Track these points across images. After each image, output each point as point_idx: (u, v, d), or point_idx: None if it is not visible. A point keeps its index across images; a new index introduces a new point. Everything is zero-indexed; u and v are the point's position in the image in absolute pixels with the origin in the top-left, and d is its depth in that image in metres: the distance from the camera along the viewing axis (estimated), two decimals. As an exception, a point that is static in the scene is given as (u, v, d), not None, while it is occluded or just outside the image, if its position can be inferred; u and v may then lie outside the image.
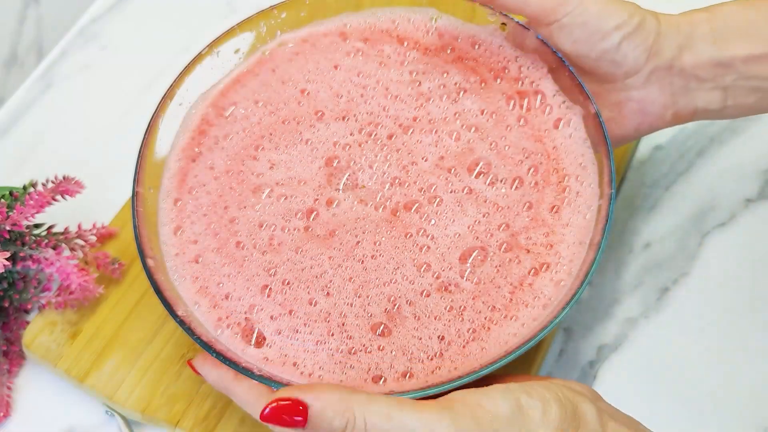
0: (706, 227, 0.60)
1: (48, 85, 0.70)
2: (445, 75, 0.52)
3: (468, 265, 0.46)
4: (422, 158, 0.50)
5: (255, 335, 0.45)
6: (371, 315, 0.45)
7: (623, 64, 0.49)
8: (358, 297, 0.45)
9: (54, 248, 0.55)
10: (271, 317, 0.45)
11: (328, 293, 0.45)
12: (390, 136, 0.51)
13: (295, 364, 0.44)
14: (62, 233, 0.57)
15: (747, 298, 0.57)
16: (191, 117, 0.52)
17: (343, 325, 0.45)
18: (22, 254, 0.54)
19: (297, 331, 0.45)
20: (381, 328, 0.44)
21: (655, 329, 0.57)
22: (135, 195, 0.47)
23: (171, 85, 0.51)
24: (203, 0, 0.75)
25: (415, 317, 0.45)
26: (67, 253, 0.56)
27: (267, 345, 0.44)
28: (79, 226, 0.58)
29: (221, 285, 0.46)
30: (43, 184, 0.55)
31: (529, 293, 0.45)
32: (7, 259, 0.51)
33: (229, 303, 0.46)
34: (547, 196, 0.48)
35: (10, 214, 0.53)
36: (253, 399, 0.42)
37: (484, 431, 0.38)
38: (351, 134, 0.51)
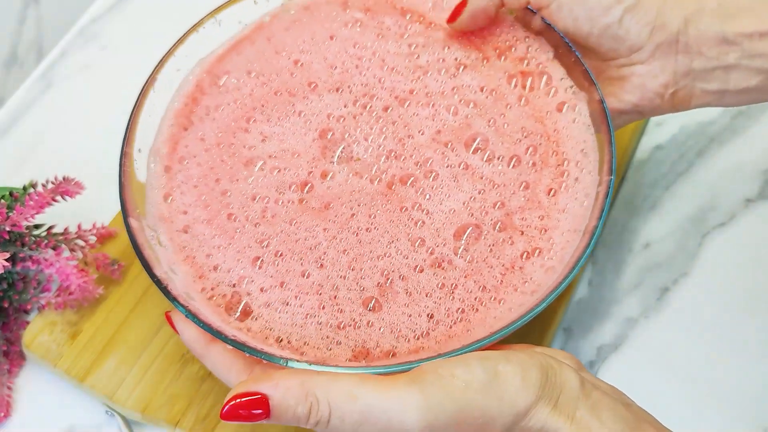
0: (706, 227, 0.60)
1: (48, 85, 0.70)
2: (446, 49, 0.52)
3: (462, 242, 0.45)
4: (419, 131, 0.49)
5: (241, 307, 0.43)
6: (363, 288, 0.44)
7: (626, 39, 0.49)
8: (352, 270, 0.45)
9: (54, 249, 0.55)
10: (262, 289, 0.44)
11: (321, 265, 0.45)
12: (385, 108, 0.50)
13: (278, 339, 0.42)
14: (62, 234, 0.57)
15: (747, 298, 0.57)
16: (187, 82, 0.51)
17: (335, 298, 0.44)
18: (21, 255, 0.54)
19: (287, 304, 0.44)
20: (372, 302, 0.44)
21: (655, 329, 0.56)
22: (124, 155, 0.46)
23: (168, 51, 0.50)
24: (203, 0, 0.75)
25: (407, 293, 0.44)
26: (66, 253, 0.56)
27: (252, 317, 0.43)
28: (79, 227, 0.57)
29: (210, 257, 0.45)
30: (43, 185, 0.55)
31: (519, 277, 0.44)
32: (6, 259, 0.51)
33: (217, 275, 0.45)
34: (545, 177, 0.47)
35: (10, 214, 0.53)
36: (226, 365, 0.41)
37: (457, 402, 0.36)
38: (345, 106, 0.50)
